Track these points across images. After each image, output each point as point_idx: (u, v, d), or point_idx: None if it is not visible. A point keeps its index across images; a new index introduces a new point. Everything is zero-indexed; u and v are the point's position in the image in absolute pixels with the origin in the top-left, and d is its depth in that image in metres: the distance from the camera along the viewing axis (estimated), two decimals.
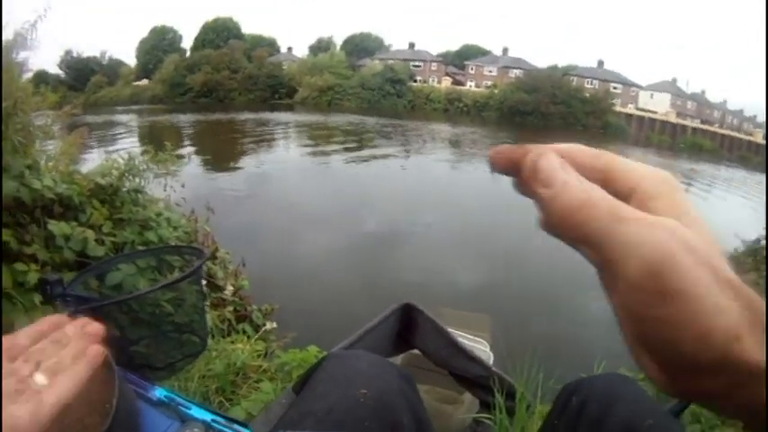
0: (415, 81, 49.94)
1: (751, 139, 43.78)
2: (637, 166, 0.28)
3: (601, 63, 51.07)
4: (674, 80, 50.15)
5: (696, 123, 46.10)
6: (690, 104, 49.05)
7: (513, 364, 2.00)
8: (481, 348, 2.30)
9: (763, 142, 42.54)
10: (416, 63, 52.66)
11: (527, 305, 7.14)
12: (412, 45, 55.89)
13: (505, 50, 53.94)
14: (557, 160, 0.27)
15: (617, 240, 0.24)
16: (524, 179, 0.28)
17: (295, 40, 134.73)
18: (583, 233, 0.25)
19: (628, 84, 49.61)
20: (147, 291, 1.12)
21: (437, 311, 5.24)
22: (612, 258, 0.25)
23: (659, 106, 47.00)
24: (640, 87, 50.11)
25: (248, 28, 63.58)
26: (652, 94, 48.99)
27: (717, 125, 48.31)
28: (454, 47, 63.71)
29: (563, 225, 0.26)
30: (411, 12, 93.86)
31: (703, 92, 51.73)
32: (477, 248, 9.73)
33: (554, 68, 51.13)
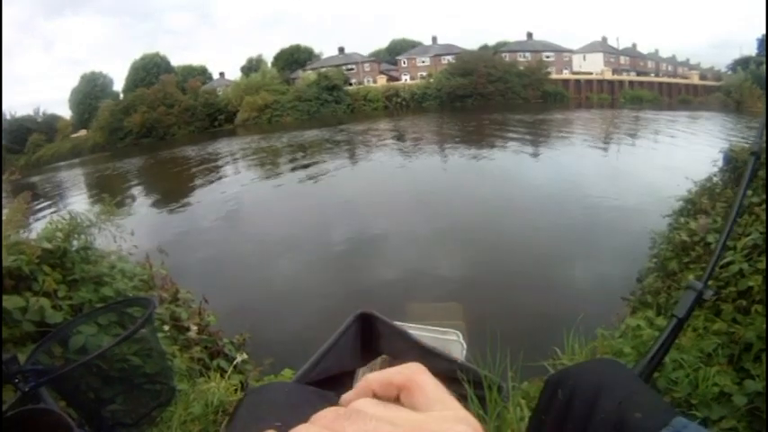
0: (351, 84, 49.95)
1: (688, 82, 45.37)
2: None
3: (530, 35, 52.07)
4: (605, 39, 51.35)
5: (632, 76, 47.45)
6: (623, 59, 50.37)
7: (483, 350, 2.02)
8: (452, 339, 2.35)
9: (700, 82, 44.30)
10: (349, 66, 52.58)
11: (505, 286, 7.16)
12: (342, 50, 55.85)
13: (435, 39, 54.50)
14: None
15: None
16: None
17: (225, 65, 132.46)
18: None
19: (559, 50, 50.75)
20: (89, 357, 1.11)
21: (408, 308, 5.28)
22: None
23: (593, 66, 48.13)
24: (572, 51, 51.28)
25: (176, 60, 62.13)
26: (584, 56, 50.00)
27: (652, 74, 49.89)
28: (384, 44, 64.00)
29: None
30: (335, 17, 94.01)
31: (634, 45, 53.18)
32: (436, 235, 9.79)
33: (485, 48, 51.90)
